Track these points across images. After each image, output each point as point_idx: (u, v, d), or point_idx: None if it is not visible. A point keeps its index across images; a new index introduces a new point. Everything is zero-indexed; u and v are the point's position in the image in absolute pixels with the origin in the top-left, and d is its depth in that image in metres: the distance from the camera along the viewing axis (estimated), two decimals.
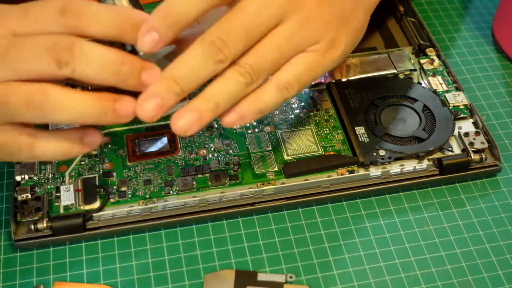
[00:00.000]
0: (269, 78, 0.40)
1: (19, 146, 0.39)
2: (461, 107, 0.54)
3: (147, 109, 0.37)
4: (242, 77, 0.38)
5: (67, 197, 0.47)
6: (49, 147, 0.40)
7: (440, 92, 0.55)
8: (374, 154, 0.50)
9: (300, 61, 0.41)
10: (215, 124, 0.52)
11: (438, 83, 0.56)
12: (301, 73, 0.41)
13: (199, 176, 0.49)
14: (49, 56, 0.36)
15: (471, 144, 0.51)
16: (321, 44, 0.41)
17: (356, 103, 0.53)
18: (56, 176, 0.49)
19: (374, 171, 0.49)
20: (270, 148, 0.51)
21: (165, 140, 0.51)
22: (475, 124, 0.53)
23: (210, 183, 0.49)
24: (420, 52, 0.58)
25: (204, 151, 0.51)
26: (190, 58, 0.38)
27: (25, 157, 0.40)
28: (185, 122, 0.38)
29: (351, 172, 0.49)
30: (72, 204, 0.47)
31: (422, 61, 0.58)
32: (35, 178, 0.48)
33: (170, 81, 0.38)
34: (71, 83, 0.39)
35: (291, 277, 0.45)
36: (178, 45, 0.40)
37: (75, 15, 0.37)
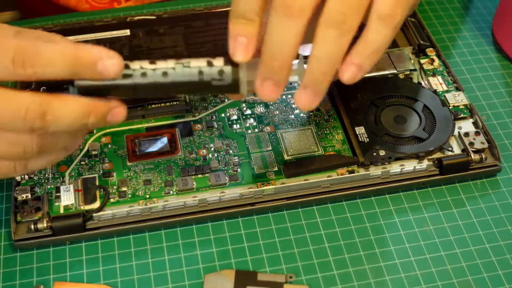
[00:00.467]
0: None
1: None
2: (461, 107, 0.54)
3: (267, 92, 0.39)
4: (334, 29, 0.37)
5: (67, 197, 0.47)
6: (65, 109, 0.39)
7: (440, 92, 0.55)
8: (374, 154, 0.50)
9: None
10: (215, 124, 0.53)
11: (438, 83, 0.56)
12: None
13: (199, 176, 0.49)
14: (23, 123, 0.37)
15: (471, 144, 0.51)
16: None
17: (356, 103, 0.53)
18: (56, 176, 0.49)
19: (374, 171, 0.49)
20: (270, 148, 0.51)
21: (165, 140, 0.51)
22: (475, 124, 0.53)
23: (210, 183, 0.49)
24: (420, 52, 0.58)
25: (204, 151, 0.51)
26: (269, 29, 0.38)
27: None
28: (303, 100, 0.39)
29: (351, 172, 0.49)
30: (72, 204, 0.47)
31: (422, 61, 0.58)
32: (35, 178, 0.48)
33: (267, 59, 0.38)
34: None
35: (291, 277, 0.45)
36: None
37: (27, 65, 0.37)
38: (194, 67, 0.40)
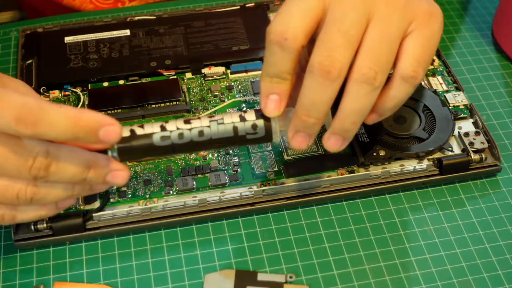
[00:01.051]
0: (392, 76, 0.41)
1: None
2: (461, 107, 0.54)
3: (298, 142, 0.42)
4: (366, 85, 0.39)
5: None
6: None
7: (440, 92, 0.55)
8: (374, 154, 0.49)
9: (410, 44, 0.41)
10: None
11: (438, 83, 0.56)
12: (418, 54, 0.41)
13: (199, 176, 0.49)
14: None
15: (471, 144, 0.51)
16: (419, 19, 0.41)
17: None
18: None
19: (374, 171, 0.49)
20: (270, 148, 0.51)
21: None
22: (475, 124, 0.53)
23: (210, 183, 0.49)
24: None
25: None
26: (307, 89, 0.39)
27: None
28: (332, 144, 0.42)
29: (351, 172, 0.49)
30: (72, 204, 0.47)
31: None
32: None
33: (303, 116, 0.40)
34: None
35: (291, 277, 0.45)
36: None
37: (30, 125, 0.37)
38: (228, 123, 0.41)
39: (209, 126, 0.41)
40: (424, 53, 0.41)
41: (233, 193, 0.48)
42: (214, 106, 0.54)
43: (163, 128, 0.41)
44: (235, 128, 0.41)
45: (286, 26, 0.39)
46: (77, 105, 0.53)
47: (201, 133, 0.41)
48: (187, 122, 0.41)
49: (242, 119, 0.42)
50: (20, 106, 0.36)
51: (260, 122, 0.42)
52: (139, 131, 0.41)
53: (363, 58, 0.39)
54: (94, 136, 0.38)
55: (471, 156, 0.50)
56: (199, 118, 0.42)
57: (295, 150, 0.48)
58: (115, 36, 0.58)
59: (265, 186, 0.48)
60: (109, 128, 0.38)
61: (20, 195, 0.39)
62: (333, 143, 0.42)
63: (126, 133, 0.40)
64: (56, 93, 0.54)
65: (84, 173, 0.39)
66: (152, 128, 0.41)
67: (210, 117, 0.42)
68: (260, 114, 0.42)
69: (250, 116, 0.42)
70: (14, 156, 0.38)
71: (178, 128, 0.41)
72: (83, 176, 0.39)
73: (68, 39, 0.58)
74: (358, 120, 0.41)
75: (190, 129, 0.41)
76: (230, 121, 0.42)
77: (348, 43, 0.39)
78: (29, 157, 0.38)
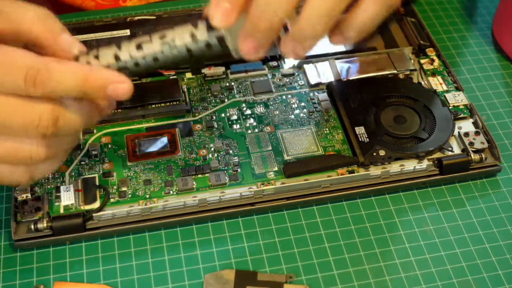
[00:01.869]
0: None
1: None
2: (461, 107, 0.54)
3: (248, 49, 0.39)
4: None
5: (67, 197, 0.47)
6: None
7: (440, 92, 0.55)
8: (374, 154, 0.49)
9: None
10: (215, 124, 0.53)
11: (438, 83, 0.56)
12: None
13: (199, 176, 0.49)
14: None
15: (471, 144, 0.51)
16: None
17: (356, 103, 0.53)
18: (56, 176, 0.49)
19: (374, 171, 0.49)
20: (270, 148, 0.51)
21: (165, 140, 0.51)
22: (475, 124, 0.53)
23: (210, 183, 0.49)
24: (420, 52, 0.58)
25: (204, 151, 0.51)
26: None
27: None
28: (289, 50, 0.40)
29: (351, 172, 0.49)
30: (72, 204, 0.47)
31: (422, 61, 0.58)
32: None
33: (254, 18, 0.38)
34: None
35: (291, 277, 0.45)
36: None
37: (39, 84, 0.37)
38: (181, 46, 0.40)
39: (162, 52, 0.41)
40: None
41: (233, 193, 0.48)
42: (214, 106, 0.54)
43: (117, 58, 0.41)
44: (189, 51, 0.41)
45: None
46: None
47: (155, 59, 0.41)
48: (139, 47, 0.41)
49: (194, 38, 0.40)
50: (28, 67, 0.37)
51: (214, 41, 0.40)
52: (95, 63, 0.41)
53: None
54: (103, 92, 0.39)
55: (471, 156, 0.50)
56: (150, 39, 0.41)
57: (248, 57, 0.41)
58: (115, 36, 0.58)
59: (265, 186, 0.48)
60: (118, 85, 0.39)
61: (33, 156, 0.39)
62: (291, 50, 0.40)
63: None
64: None
65: (83, 87, 0.39)
66: (107, 59, 0.41)
67: (161, 37, 0.41)
68: (210, 27, 0.39)
69: (202, 34, 0.40)
70: (20, 117, 0.38)
71: (132, 57, 0.41)
72: (83, 89, 0.39)
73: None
74: (321, 26, 0.38)
75: (144, 57, 0.41)
76: (182, 43, 0.40)
77: None
78: (35, 117, 0.38)
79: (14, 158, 0.39)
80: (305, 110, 0.54)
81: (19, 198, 0.47)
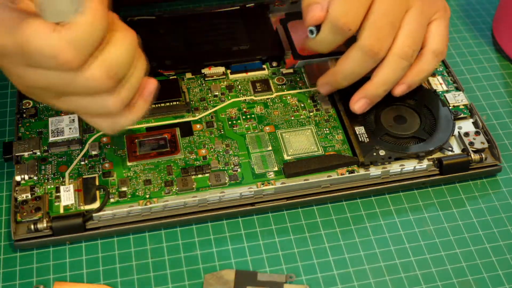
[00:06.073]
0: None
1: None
2: (461, 107, 0.54)
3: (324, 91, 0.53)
4: (405, 60, 0.48)
5: (67, 197, 0.47)
6: None
7: (440, 92, 0.55)
8: (374, 154, 0.50)
9: (436, 28, 0.50)
10: (215, 124, 0.53)
11: (438, 83, 0.56)
12: (444, 35, 0.50)
13: (199, 176, 0.49)
14: None
15: (471, 144, 0.51)
16: (440, 11, 0.50)
17: None
18: (56, 176, 0.49)
19: (374, 171, 0.49)
20: (270, 148, 0.51)
21: (165, 140, 0.51)
22: (475, 124, 0.53)
23: (210, 183, 0.49)
24: None
25: (204, 151, 0.51)
26: (351, 60, 0.48)
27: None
28: (360, 106, 0.50)
29: (351, 172, 0.49)
30: (72, 204, 0.47)
31: None
32: (35, 178, 0.48)
33: (339, 79, 0.50)
34: None
35: (291, 277, 0.45)
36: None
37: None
38: None
39: None
40: (446, 35, 0.50)
41: (233, 193, 0.48)
42: (214, 106, 0.54)
43: None
44: None
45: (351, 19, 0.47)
46: None
47: None
48: None
49: None
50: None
51: None
52: None
53: (404, 39, 0.47)
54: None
55: (471, 156, 0.50)
56: None
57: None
58: None
59: (265, 186, 0.48)
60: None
61: (113, 107, 0.40)
62: (361, 106, 0.50)
63: None
64: None
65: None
66: None
67: None
68: None
69: None
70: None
71: None
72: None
73: None
74: (389, 88, 0.49)
75: None
76: None
77: (393, 31, 0.47)
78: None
79: (95, 111, 0.41)
80: (305, 110, 0.54)
81: (19, 198, 0.47)
